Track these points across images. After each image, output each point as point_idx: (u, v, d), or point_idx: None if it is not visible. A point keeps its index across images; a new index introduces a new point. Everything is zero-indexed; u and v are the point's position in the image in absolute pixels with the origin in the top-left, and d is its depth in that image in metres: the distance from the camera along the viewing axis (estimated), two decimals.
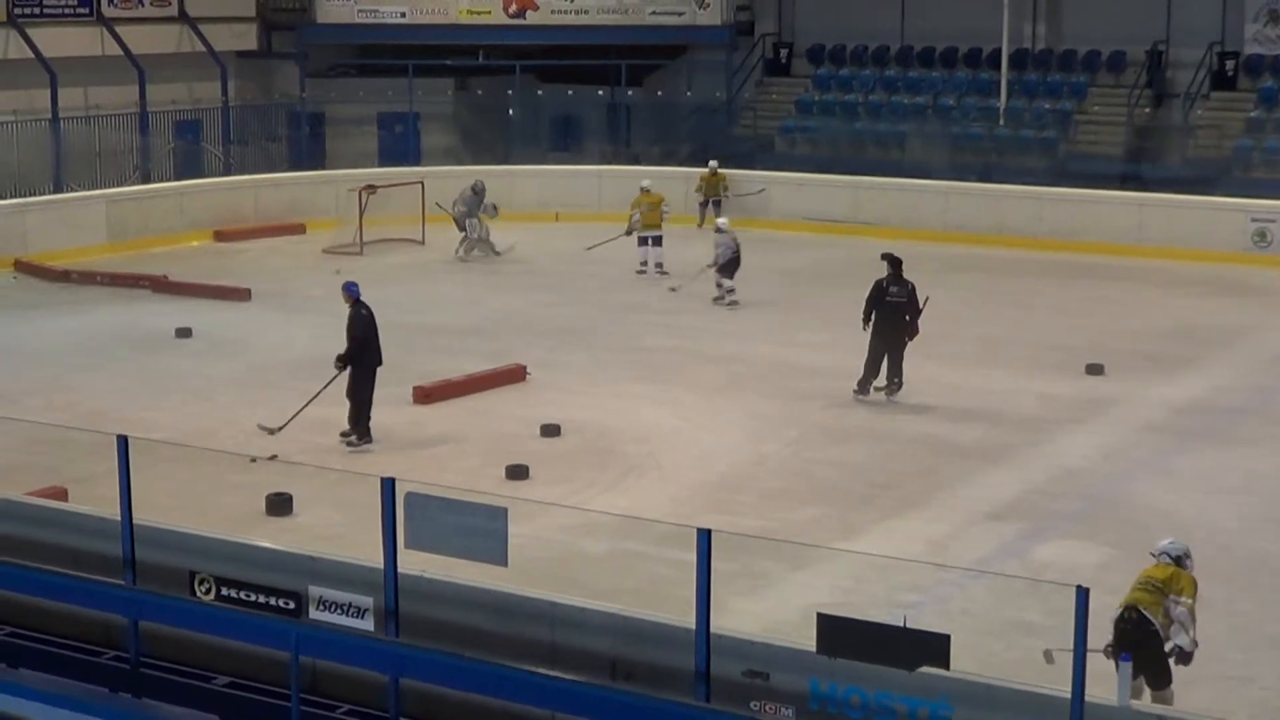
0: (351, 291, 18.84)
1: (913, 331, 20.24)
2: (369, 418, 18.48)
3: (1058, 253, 30.38)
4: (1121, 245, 30.67)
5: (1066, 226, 31.69)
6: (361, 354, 18.46)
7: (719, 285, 26.54)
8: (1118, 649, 10.87)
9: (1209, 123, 35.07)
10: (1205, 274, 28.81)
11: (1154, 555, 11.49)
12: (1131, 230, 31.01)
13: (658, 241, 29.31)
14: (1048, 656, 9.89)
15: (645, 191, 29.89)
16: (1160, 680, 11.10)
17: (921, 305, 20.29)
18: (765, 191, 33.80)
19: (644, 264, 29.28)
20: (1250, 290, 27.84)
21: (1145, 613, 11.02)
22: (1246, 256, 29.99)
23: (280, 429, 18.26)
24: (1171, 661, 11.10)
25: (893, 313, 20.23)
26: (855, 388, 20.36)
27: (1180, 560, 11.34)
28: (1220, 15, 35.81)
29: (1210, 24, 35.73)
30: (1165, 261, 29.76)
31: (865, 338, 20.99)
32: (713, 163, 34.14)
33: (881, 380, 20.33)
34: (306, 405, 18.46)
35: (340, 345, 18.57)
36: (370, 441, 18.41)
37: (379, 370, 18.61)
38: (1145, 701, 10.95)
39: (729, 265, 26.38)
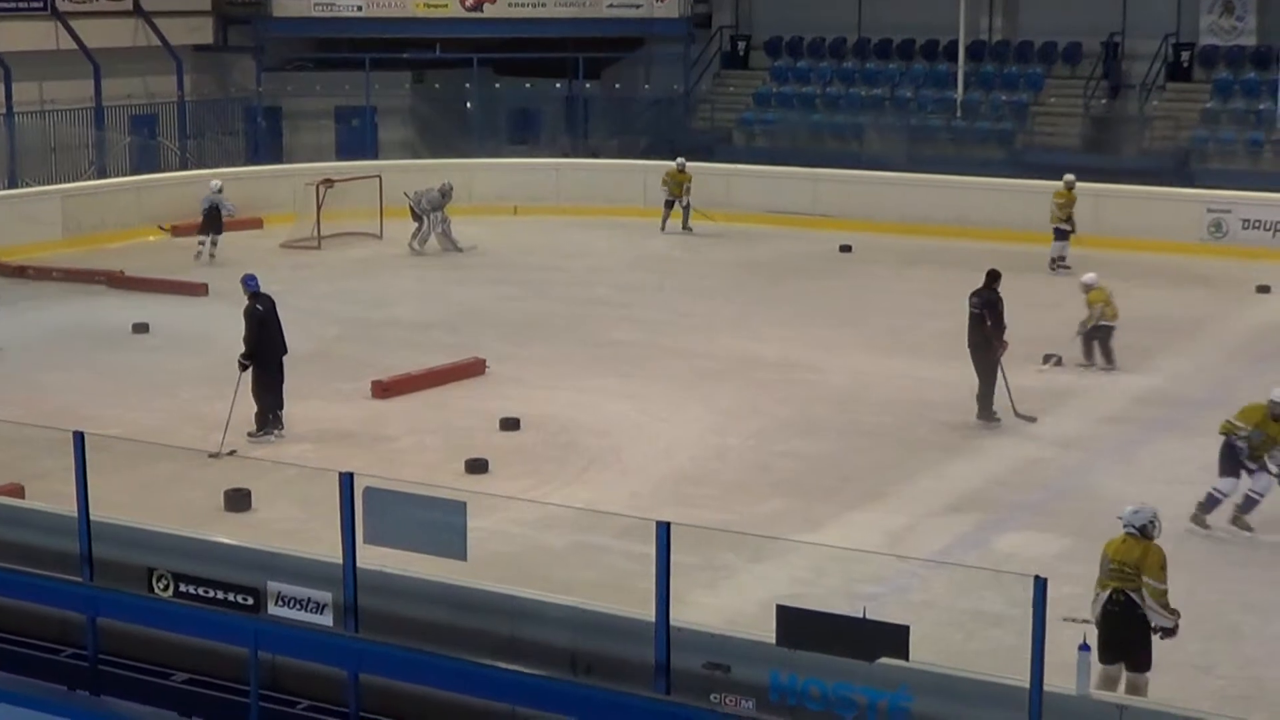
0: (248, 285, 18.76)
1: (999, 345, 19.34)
2: (270, 408, 18.36)
3: (1016, 244, 30.36)
4: (1079, 236, 30.73)
5: (1024, 218, 31.69)
6: (258, 351, 18.37)
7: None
8: (1107, 634, 11.16)
9: (1165, 114, 35.27)
10: (1162, 265, 28.91)
11: (1121, 522, 11.54)
12: (1088, 221, 31.06)
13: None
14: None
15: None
16: (1143, 664, 11.29)
17: (978, 310, 19.38)
18: (721, 233, 31.84)
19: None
20: (1207, 281, 27.95)
21: (1133, 596, 11.15)
22: (1203, 247, 30.13)
23: (221, 453, 17.51)
24: (1158, 638, 11.30)
25: (972, 324, 19.42)
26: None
27: (1146, 530, 11.42)
28: (1175, 7, 36.00)
29: (1165, 15, 35.93)
30: (1123, 253, 29.79)
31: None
32: (680, 159, 32.96)
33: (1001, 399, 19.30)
34: (231, 412, 18.06)
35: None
36: (269, 432, 18.31)
37: (284, 359, 18.63)
38: (1120, 688, 11.17)
39: None
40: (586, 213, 34.10)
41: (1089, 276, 22.43)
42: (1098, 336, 21.98)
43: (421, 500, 10.80)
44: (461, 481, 16.40)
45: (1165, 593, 11.26)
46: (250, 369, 18.34)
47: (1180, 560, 13.60)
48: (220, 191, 29.85)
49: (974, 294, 19.54)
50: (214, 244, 29.47)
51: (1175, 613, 11.33)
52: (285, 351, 18.65)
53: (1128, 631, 11.17)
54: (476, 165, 35.67)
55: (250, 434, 18.25)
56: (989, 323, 19.27)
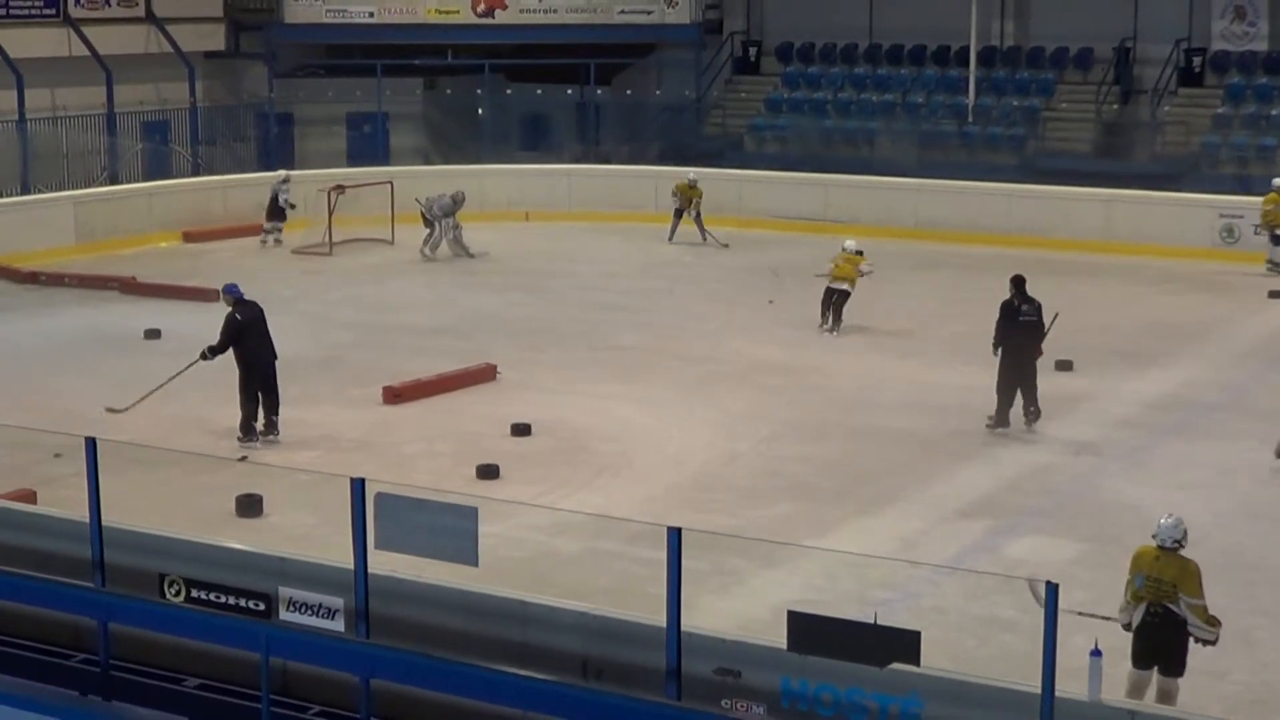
0: (230, 293, 18.93)
1: (1037, 351, 19.08)
2: (255, 416, 18.49)
3: (1027, 249, 30.35)
4: (1091, 242, 30.74)
5: (1035, 224, 31.76)
6: (238, 354, 18.49)
7: None
8: (1145, 642, 11.22)
9: (1176, 119, 35.22)
10: (1174, 270, 28.89)
11: (1155, 538, 11.44)
12: (1100, 227, 31.09)
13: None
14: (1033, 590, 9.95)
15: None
16: (1178, 669, 11.32)
17: (1049, 324, 19.12)
18: (729, 247, 31.37)
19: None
20: (1219, 286, 27.92)
21: (1171, 607, 11.15)
22: (1215, 252, 30.07)
23: (127, 409, 18.21)
24: (1199, 646, 11.32)
25: (1028, 332, 18.86)
26: (990, 421, 18.85)
27: (1181, 543, 11.40)
28: (1187, 12, 35.96)
29: (1177, 21, 35.88)
30: (1134, 258, 29.85)
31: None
32: (692, 175, 32.45)
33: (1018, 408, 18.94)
34: (159, 388, 18.50)
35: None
36: (254, 438, 18.40)
37: (277, 366, 18.71)
38: (1150, 693, 11.22)
39: None
40: (598, 218, 34.13)
41: (848, 242, 24.00)
42: (831, 300, 23.64)
43: (433, 506, 10.80)
44: (473, 487, 16.42)
45: (1205, 607, 11.27)
46: (230, 371, 18.47)
47: None
48: (285, 182, 32.02)
49: (1022, 300, 18.99)
50: (278, 230, 31.89)
51: (1216, 623, 11.31)
52: (274, 358, 18.68)
53: (1166, 639, 11.25)
54: (488, 171, 35.72)
55: (239, 438, 18.35)
56: (1046, 326, 19.10)
